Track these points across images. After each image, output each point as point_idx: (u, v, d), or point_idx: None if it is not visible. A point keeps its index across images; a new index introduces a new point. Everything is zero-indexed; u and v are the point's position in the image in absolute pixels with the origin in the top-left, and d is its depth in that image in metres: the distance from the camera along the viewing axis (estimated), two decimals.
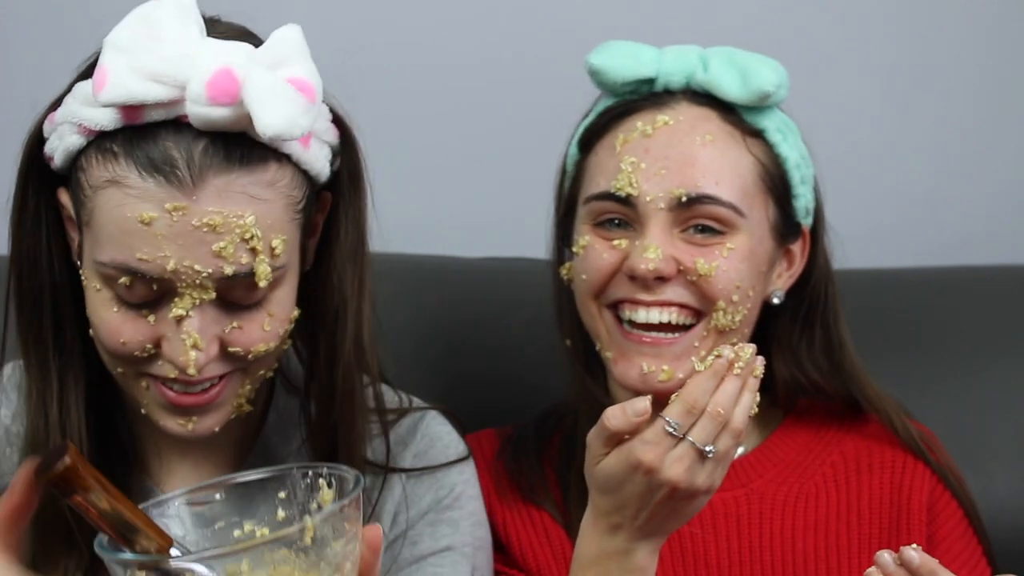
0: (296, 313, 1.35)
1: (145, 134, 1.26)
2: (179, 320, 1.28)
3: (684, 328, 1.53)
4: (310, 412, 1.42)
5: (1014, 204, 2.21)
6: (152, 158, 1.25)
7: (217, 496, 1.12)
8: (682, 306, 1.53)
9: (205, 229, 1.25)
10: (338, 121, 1.37)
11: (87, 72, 1.30)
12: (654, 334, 1.53)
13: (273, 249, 1.28)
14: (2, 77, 2.02)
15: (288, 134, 1.24)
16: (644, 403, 1.33)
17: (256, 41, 1.32)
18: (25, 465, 1.13)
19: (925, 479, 1.61)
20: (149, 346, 1.30)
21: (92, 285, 1.30)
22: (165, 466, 1.44)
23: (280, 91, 1.24)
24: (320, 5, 2.05)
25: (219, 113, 1.24)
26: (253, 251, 1.27)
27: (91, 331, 1.33)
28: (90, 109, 1.27)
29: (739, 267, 1.53)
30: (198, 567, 1.00)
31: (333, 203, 1.38)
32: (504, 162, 2.11)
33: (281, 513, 1.11)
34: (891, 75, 2.18)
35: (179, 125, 1.26)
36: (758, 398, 1.35)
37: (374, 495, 1.42)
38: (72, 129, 1.29)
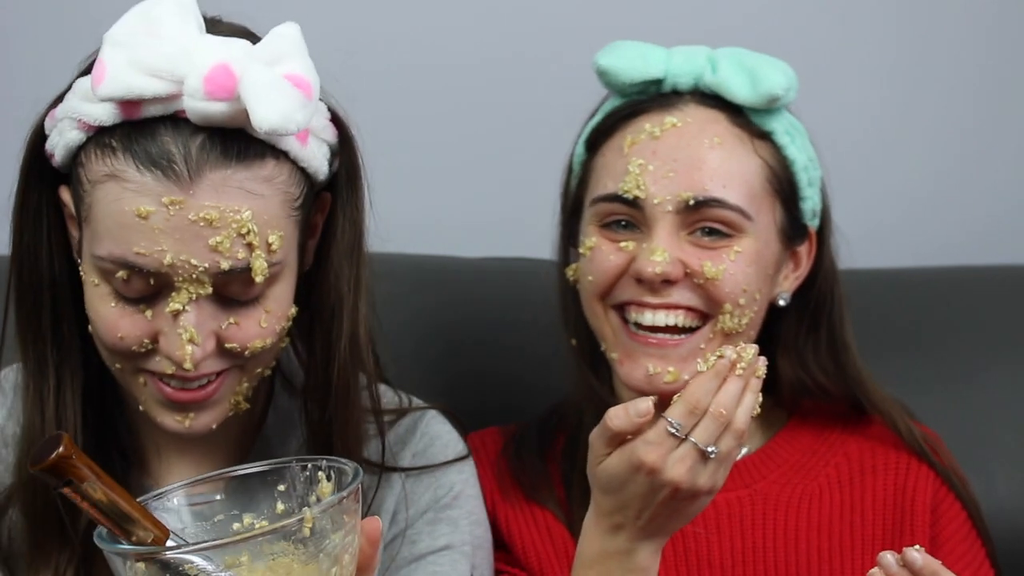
0: (294, 311, 1.35)
1: (143, 129, 1.26)
2: (176, 315, 1.28)
3: (690, 330, 1.53)
4: (310, 413, 1.41)
5: (1014, 204, 2.20)
6: (150, 153, 1.25)
7: (218, 497, 1.12)
8: (689, 309, 1.53)
9: (202, 223, 1.25)
10: (336, 120, 1.37)
11: (88, 69, 1.31)
12: (660, 335, 1.53)
13: (270, 245, 1.28)
14: (2, 77, 2.02)
15: (284, 129, 1.24)
16: (647, 403, 1.32)
17: (256, 40, 1.32)
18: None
19: (929, 481, 1.60)
20: (146, 341, 1.30)
21: (91, 280, 1.31)
22: (164, 466, 1.44)
23: (277, 86, 1.24)
24: (320, 5, 2.05)
25: (216, 108, 1.24)
26: (249, 246, 1.27)
27: (90, 327, 1.33)
28: (89, 105, 1.28)
29: (746, 270, 1.53)
30: (197, 558, 1.00)
31: (331, 202, 1.38)
32: (504, 162, 2.11)
33: (280, 506, 1.11)
34: (891, 75, 2.18)
35: (177, 120, 1.26)
36: (760, 399, 1.35)
37: (371, 495, 1.42)
38: (72, 125, 1.29)
